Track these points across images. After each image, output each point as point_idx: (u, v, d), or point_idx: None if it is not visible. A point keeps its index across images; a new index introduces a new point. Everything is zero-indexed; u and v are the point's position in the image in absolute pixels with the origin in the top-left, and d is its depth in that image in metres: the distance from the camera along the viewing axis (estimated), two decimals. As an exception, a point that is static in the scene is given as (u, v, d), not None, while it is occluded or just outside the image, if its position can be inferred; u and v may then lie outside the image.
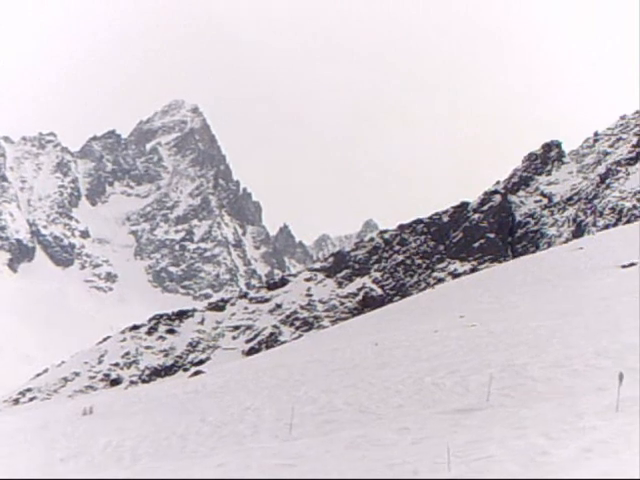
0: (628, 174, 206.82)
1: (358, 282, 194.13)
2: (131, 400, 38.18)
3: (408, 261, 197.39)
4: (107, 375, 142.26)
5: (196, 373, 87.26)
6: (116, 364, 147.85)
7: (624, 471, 12.18)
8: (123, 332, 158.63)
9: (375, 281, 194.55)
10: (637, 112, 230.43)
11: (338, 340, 47.66)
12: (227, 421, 23.77)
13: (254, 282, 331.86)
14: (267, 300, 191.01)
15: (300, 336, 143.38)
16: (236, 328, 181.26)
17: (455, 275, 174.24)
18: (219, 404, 27.84)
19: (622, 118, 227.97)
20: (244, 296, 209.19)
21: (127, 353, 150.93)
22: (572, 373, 20.83)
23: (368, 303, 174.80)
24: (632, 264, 55.95)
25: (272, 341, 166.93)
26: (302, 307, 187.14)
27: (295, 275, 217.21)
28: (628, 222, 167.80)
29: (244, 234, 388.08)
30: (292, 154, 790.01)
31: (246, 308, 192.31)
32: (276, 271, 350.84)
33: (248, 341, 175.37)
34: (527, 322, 32.55)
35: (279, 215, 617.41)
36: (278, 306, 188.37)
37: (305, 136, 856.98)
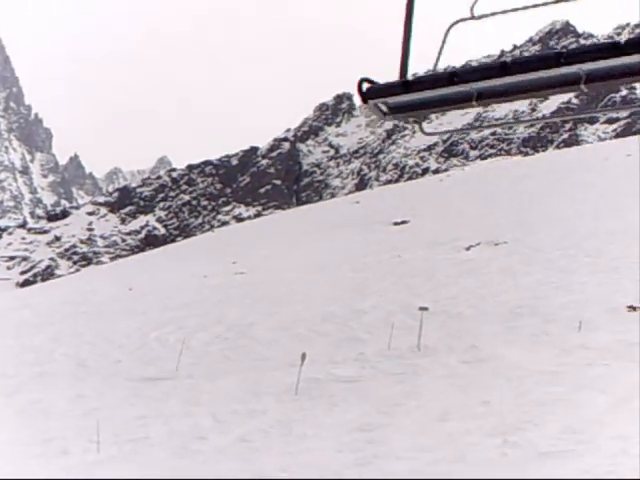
0: (414, 132, 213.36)
1: (142, 220, 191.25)
2: None
3: (194, 202, 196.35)
4: None
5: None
6: None
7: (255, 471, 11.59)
8: None
9: (159, 220, 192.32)
10: (430, 71, 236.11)
11: (103, 280, 46.41)
12: None
13: (39, 212, 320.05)
14: (46, 232, 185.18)
15: (77, 271, 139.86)
16: (11, 258, 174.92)
17: (239, 219, 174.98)
18: None
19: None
20: (22, 226, 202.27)
21: None
22: (294, 338, 20.32)
23: (150, 242, 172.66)
24: (404, 222, 57.68)
25: (48, 274, 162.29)
26: (82, 241, 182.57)
27: (77, 208, 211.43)
28: (410, 179, 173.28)
29: (32, 161, 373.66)
30: (89, 84, 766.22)
31: (24, 238, 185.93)
32: (63, 202, 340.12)
33: (23, 272, 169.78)
34: (289, 274, 32.64)
35: (71, 144, 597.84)
36: (57, 238, 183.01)
37: (105, 66, 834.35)
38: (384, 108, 4.04)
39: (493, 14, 3.93)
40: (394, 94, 3.97)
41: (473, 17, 3.83)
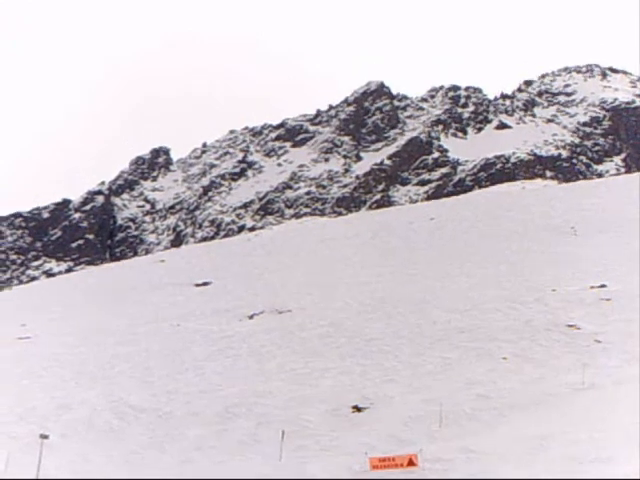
0: (231, 189, 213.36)
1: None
2: None
3: (2, 256, 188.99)
4: None
5: None
6: None
7: None
8: None
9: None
10: (246, 128, 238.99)
11: None
12: None
13: None
14: None
15: None
16: None
17: (50, 274, 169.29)
18: None
19: (231, 132, 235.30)
20: None
21: None
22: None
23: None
24: (205, 283, 56.86)
25: None
26: None
27: None
28: (226, 236, 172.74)
29: None
30: None
31: None
32: None
33: None
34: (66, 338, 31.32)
35: None
36: None
37: None
38: None
39: None
40: None
41: None
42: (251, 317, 31.58)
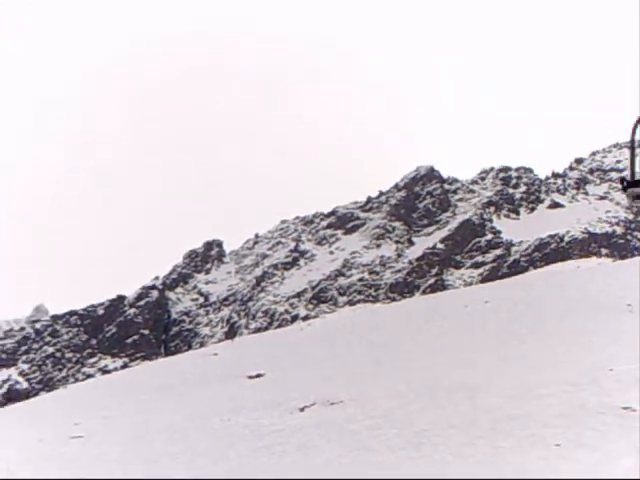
0: (283, 278, 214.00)
1: (4, 373, 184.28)
2: None
3: (58, 354, 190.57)
4: None
5: None
6: None
7: None
8: None
9: (22, 373, 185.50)
10: (297, 217, 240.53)
11: None
12: None
13: None
14: None
15: None
16: None
17: (105, 371, 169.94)
18: None
19: (283, 222, 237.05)
20: None
21: None
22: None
23: (13, 396, 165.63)
24: (258, 375, 56.28)
25: None
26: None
27: None
28: (280, 326, 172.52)
29: None
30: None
31: None
32: None
33: None
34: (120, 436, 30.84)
35: None
36: None
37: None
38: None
39: None
40: None
41: None
42: (302, 409, 30.86)
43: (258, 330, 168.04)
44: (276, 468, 22.54)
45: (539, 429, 21.26)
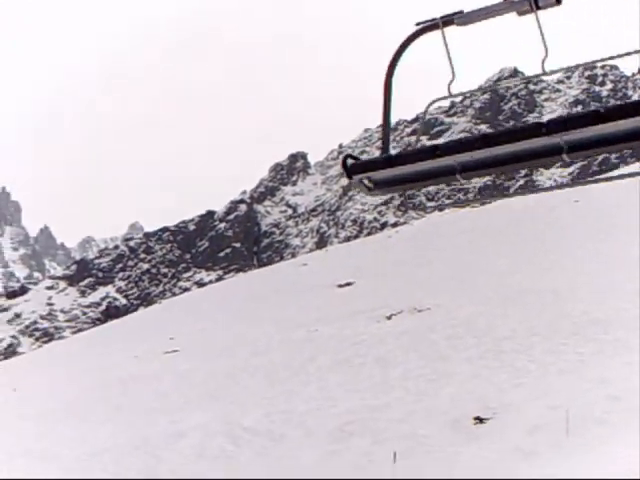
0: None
1: (102, 291, 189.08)
2: None
3: (154, 270, 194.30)
4: None
5: None
6: None
7: None
8: None
9: (119, 290, 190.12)
10: (380, 126, 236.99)
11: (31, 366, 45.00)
12: None
13: (12, 284, 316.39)
14: (5, 309, 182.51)
15: (40, 347, 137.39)
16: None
17: (201, 284, 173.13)
18: None
19: (366, 131, 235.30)
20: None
21: None
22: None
23: (112, 313, 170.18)
24: (348, 284, 56.79)
25: (10, 353, 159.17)
26: (42, 317, 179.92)
27: (36, 283, 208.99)
28: (369, 234, 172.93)
29: (2, 235, 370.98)
30: (54, 152, 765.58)
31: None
32: (36, 274, 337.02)
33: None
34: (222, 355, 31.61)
35: (40, 216, 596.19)
36: (17, 315, 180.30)
37: (65, 134, 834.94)
38: (369, 184, 4.10)
39: (469, 92, 4.46)
40: (378, 169, 4.04)
41: (450, 95, 3.98)
42: (389, 318, 31.16)
43: (348, 239, 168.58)
44: (354, 382, 22.54)
45: (623, 333, 20.83)
